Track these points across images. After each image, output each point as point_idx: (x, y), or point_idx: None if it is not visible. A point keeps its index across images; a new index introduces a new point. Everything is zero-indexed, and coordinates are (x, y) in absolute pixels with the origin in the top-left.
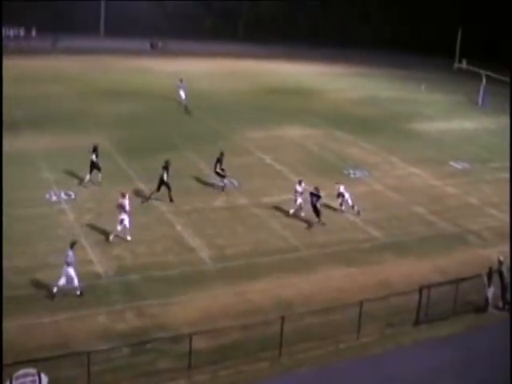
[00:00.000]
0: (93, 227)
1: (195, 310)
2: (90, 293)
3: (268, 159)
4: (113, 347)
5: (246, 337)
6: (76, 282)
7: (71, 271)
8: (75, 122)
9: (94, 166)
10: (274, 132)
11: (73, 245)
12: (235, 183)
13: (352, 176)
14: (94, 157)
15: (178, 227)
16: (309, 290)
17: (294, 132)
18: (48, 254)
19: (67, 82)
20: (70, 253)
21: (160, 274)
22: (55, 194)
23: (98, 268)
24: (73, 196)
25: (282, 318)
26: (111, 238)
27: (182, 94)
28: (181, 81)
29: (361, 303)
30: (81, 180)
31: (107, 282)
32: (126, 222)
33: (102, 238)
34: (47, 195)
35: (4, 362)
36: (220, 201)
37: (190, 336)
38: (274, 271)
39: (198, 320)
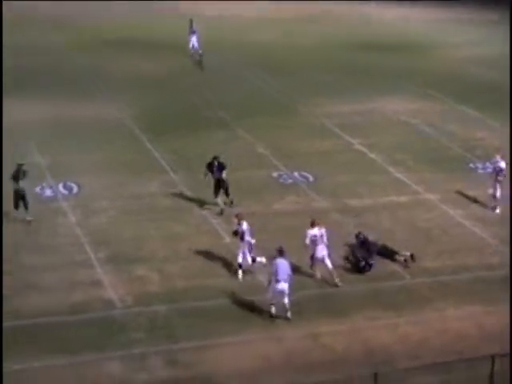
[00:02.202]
0: (104, 235)
1: (249, 358)
2: (99, 328)
3: (357, 144)
4: None
5: None
6: None
7: None
8: (80, 85)
9: None
10: (365, 105)
11: None
12: (310, 177)
13: (480, 171)
14: None
15: (227, 239)
16: (414, 335)
17: (395, 105)
18: (42, 269)
19: (69, 29)
20: None
21: (199, 304)
22: (50, 187)
23: (111, 294)
24: (75, 189)
25: (375, 376)
26: None
27: (194, 41)
28: (191, 23)
29: (492, 359)
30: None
31: (124, 313)
32: None
33: (118, 250)
34: (38, 188)
35: None
36: (288, 202)
37: None
38: (363, 305)
39: (254, 372)
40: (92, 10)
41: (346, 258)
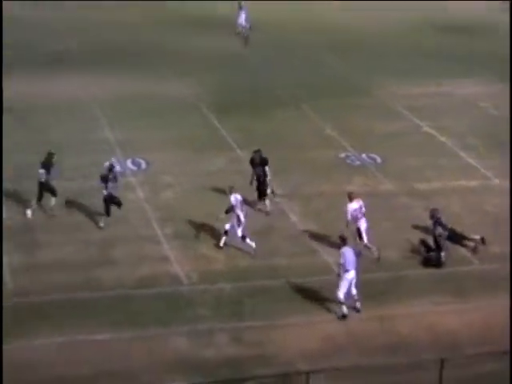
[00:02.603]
0: (172, 211)
1: (314, 339)
2: (166, 303)
3: (426, 126)
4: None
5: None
6: None
7: None
8: (149, 62)
9: None
10: (436, 87)
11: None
12: (377, 159)
13: None
14: None
15: (293, 218)
16: (481, 322)
17: (466, 89)
18: (111, 244)
19: (136, 7)
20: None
21: (264, 283)
22: (118, 162)
23: (178, 270)
24: (143, 165)
25: (442, 362)
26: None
27: (243, 19)
28: (240, 3)
29: None
30: None
31: (190, 289)
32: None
33: (185, 227)
34: (107, 163)
35: None
36: (355, 183)
37: (308, 375)
38: (430, 290)
39: (319, 353)
40: None
41: (422, 243)
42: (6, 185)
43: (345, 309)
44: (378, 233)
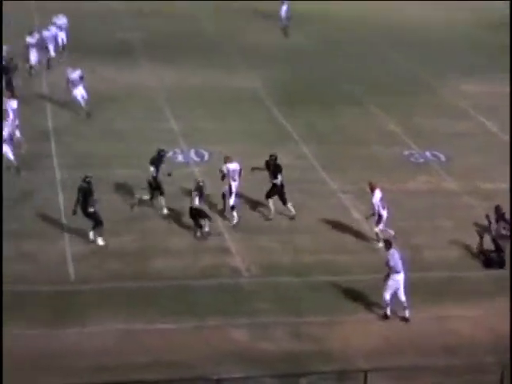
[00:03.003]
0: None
1: (374, 337)
2: (226, 294)
3: (491, 126)
4: (251, 376)
5: None
6: None
7: None
8: (216, 54)
9: None
10: (505, 87)
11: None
12: (441, 157)
13: None
14: None
15: (355, 214)
16: None
17: None
18: (173, 233)
19: None
20: None
21: (326, 279)
22: (182, 153)
23: (238, 262)
24: (206, 157)
25: (504, 368)
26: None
27: (284, 10)
28: None
29: None
30: None
31: (250, 282)
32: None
33: (246, 219)
34: (171, 153)
35: None
36: (419, 181)
37: (365, 373)
38: (493, 292)
39: (378, 351)
40: None
41: (481, 250)
42: (69, 173)
43: (388, 310)
44: (438, 231)
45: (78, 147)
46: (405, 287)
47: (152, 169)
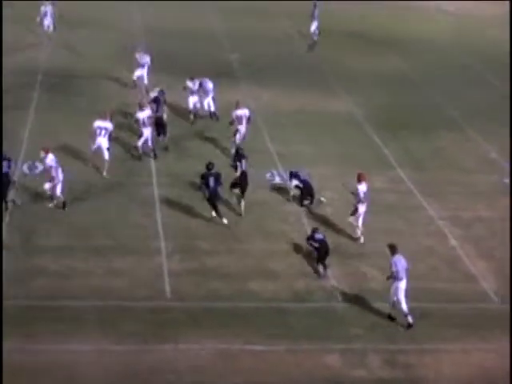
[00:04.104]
0: (330, 227)
1: (468, 366)
2: (320, 319)
3: None
4: None
5: None
6: None
7: None
8: (313, 77)
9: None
10: None
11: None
12: None
13: None
14: None
15: (452, 241)
16: None
17: None
18: (269, 255)
19: (300, 17)
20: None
21: (421, 306)
22: (279, 175)
23: (332, 285)
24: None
25: None
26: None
27: (315, 25)
28: (314, 6)
29: None
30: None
31: (344, 307)
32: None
33: (343, 243)
34: (268, 174)
35: None
36: None
37: None
38: None
39: (471, 381)
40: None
41: None
42: (166, 190)
43: (410, 318)
44: None
45: (176, 165)
46: (406, 295)
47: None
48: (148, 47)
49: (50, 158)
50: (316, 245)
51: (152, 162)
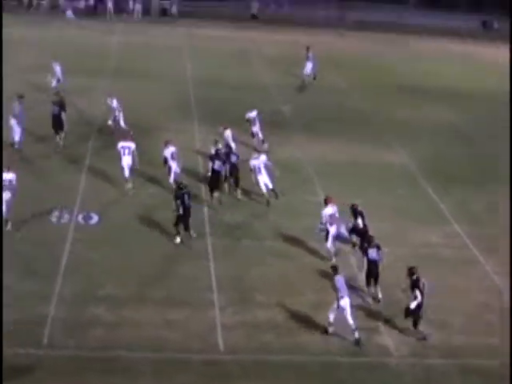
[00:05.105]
0: (384, 280)
1: None
2: (374, 374)
3: None
4: None
5: None
6: None
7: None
8: (365, 128)
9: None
10: None
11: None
12: None
13: None
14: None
15: (507, 296)
16: None
17: None
18: (321, 307)
19: (353, 69)
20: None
21: (479, 362)
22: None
23: (387, 341)
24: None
25: None
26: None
27: (309, 67)
28: (307, 49)
29: None
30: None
31: (399, 362)
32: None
33: (396, 298)
34: (319, 227)
35: None
36: None
37: None
38: None
39: None
40: (377, 49)
41: None
42: (221, 241)
43: (330, 329)
44: None
45: (230, 218)
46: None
47: None
48: (199, 97)
49: None
50: (366, 261)
51: (205, 212)
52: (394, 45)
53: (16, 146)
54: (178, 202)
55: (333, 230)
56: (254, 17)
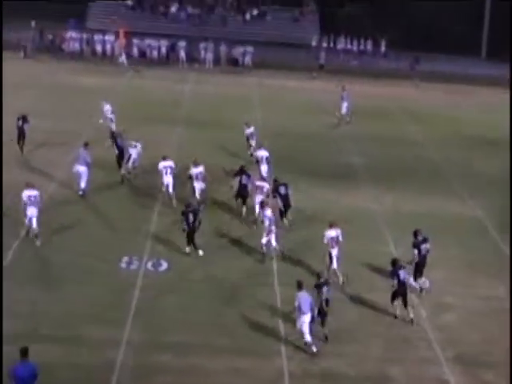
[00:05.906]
0: (454, 334)
1: None
2: None
3: None
4: None
5: None
6: None
7: None
8: (437, 180)
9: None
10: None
11: None
12: None
13: None
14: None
15: None
16: None
17: None
18: (390, 360)
19: (426, 120)
20: None
21: None
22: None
23: None
24: (427, 284)
25: None
26: None
27: (345, 106)
28: (343, 88)
29: None
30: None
31: None
32: None
33: (467, 352)
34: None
35: None
36: None
37: None
38: None
39: None
40: (450, 100)
41: None
42: (289, 291)
43: (314, 348)
44: None
45: (299, 266)
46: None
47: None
48: (268, 146)
49: None
50: (395, 281)
51: (274, 262)
52: (468, 95)
53: (80, 193)
54: (183, 218)
55: (335, 252)
56: (321, 67)
